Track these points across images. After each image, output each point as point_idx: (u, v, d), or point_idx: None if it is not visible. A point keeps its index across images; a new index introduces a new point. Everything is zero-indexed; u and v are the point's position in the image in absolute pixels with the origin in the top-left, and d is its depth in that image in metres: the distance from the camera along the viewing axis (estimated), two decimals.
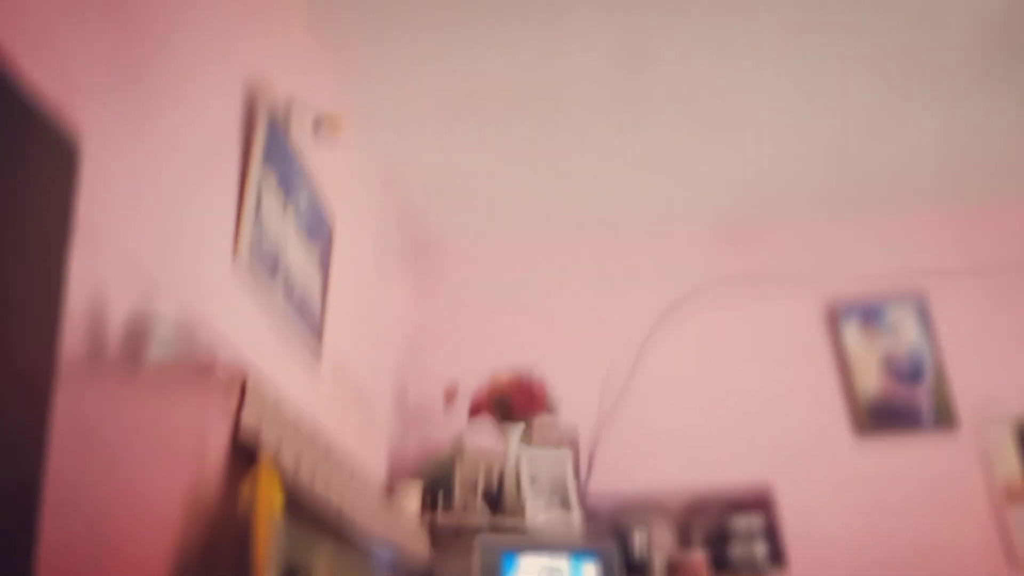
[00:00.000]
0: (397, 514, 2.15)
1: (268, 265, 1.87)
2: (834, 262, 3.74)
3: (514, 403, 2.85)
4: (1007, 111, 3.14)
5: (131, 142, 1.34)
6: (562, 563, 2.71)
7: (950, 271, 3.65)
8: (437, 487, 2.86)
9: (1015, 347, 3.52)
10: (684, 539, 3.38)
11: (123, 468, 0.97)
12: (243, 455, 1.00)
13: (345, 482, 1.43)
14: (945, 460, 3.38)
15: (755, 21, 2.61)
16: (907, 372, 3.53)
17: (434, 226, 3.76)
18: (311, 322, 2.20)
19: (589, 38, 2.65)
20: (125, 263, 1.28)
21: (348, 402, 2.61)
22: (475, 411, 2.93)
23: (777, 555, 3.27)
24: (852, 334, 3.60)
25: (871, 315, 3.63)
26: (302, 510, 1.31)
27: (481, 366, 3.06)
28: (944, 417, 3.45)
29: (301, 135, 2.14)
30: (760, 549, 3.23)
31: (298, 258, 2.11)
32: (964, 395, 3.46)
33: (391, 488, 2.85)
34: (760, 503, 3.36)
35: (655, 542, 3.28)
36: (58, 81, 1.11)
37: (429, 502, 2.80)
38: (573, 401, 3.20)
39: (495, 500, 2.87)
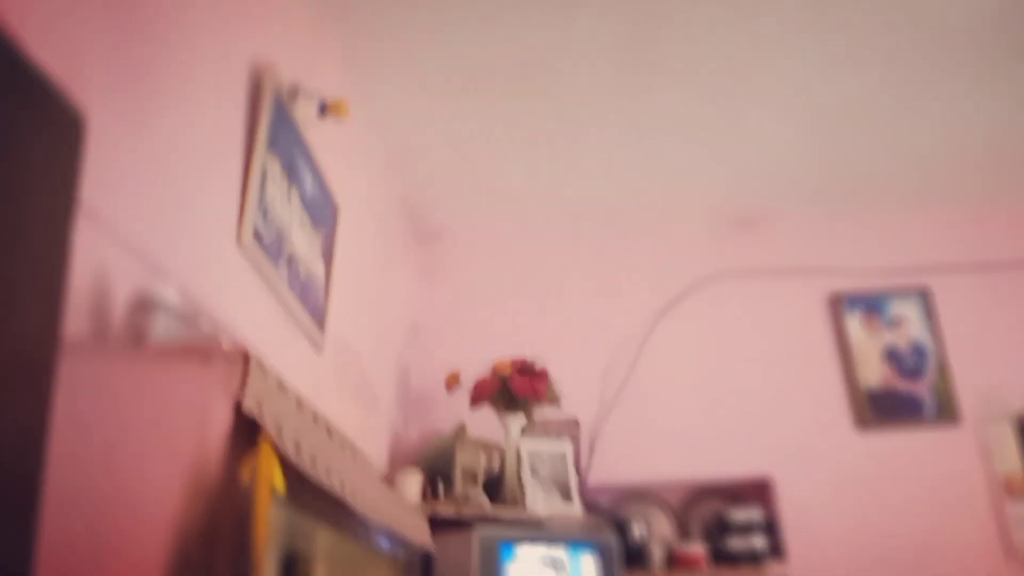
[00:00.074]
0: (398, 500, 2.16)
1: (272, 249, 1.87)
2: (837, 256, 3.74)
3: (516, 389, 2.85)
4: (1011, 107, 3.13)
5: (135, 124, 1.34)
6: (561, 553, 2.71)
7: (953, 265, 3.65)
8: (437, 475, 2.86)
9: (1017, 342, 3.52)
10: (683, 531, 3.39)
11: (124, 448, 0.97)
12: (244, 436, 1.00)
13: (346, 466, 1.43)
14: (946, 454, 3.39)
15: (759, 16, 2.60)
16: (909, 365, 3.53)
17: (438, 214, 3.76)
18: (314, 307, 2.19)
19: (595, 29, 2.63)
20: (128, 245, 1.28)
21: (350, 388, 2.61)
22: (476, 399, 2.94)
23: (776, 547, 3.28)
24: (855, 327, 3.60)
25: (874, 308, 3.62)
26: (303, 493, 1.31)
27: (483, 355, 3.06)
28: (945, 411, 3.45)
29: (306, 119, 2.13)
30: (759, 541, 3.24)
31: (302, 243, 2.10)
32: (966, 389, 3.47)
33: (392, 475, 2.85)
34: (760, 495, 3.37)
35: (654, 533, 3.29)
36: (62, 60, 1.10)
37: (429, 490, 2.81)
38: (574, 391, 3.21)
39: (495, 489, 2.87)
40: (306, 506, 1.49)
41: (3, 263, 0.73)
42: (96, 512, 0.94)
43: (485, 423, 2.98)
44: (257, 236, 1.78)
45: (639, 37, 2.68)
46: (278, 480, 1.04)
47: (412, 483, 2.73)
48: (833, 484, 3.37)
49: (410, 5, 2.50)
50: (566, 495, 2.94)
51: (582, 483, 3.15)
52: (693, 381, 3.57)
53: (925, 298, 3.63)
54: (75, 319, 1.08)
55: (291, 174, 2.02)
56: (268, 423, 1.01)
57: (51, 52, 1.05)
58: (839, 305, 3.65)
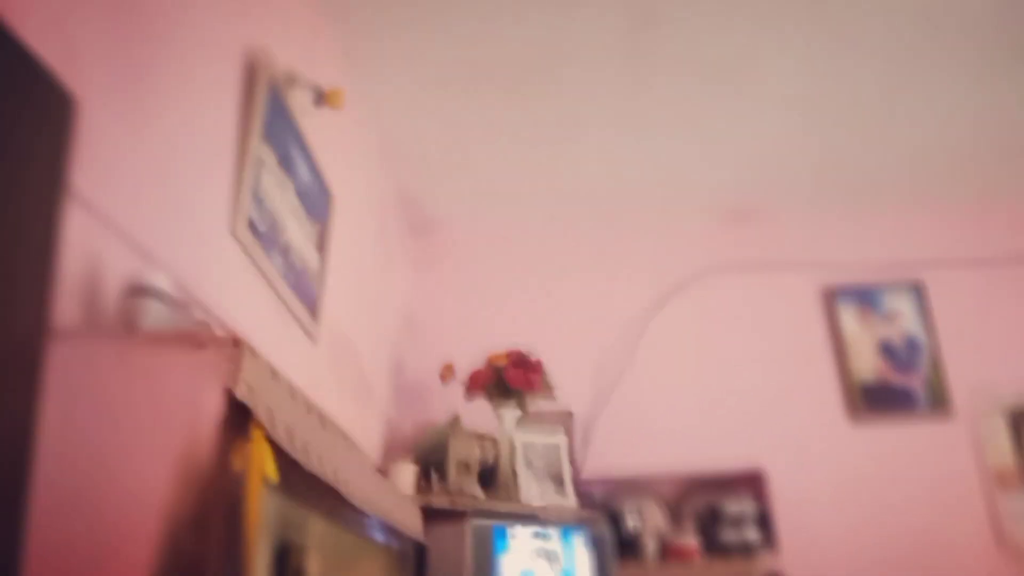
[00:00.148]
0: (392, 489, 2.16)
1: (267, 239, 1.87)
2: (832, 250, 3.75)
3: (510, 380, 2.85)
4: (1006, 103, 3.13)
5: (128, 112, 1.33)
6: (554, 544, 2.72)
7: (947, 259, 3.66)
8: (432, 466, 2.87)
9: (1010, 334, 3.54)
10: (677, 522, 3.40)
11: (115, 434, 0.97)
12: (236, 423, 1.00)
13: (340, 454, 1.43)
14: (939, 446, 3.40)
15: (756, 12, 2.60)
16: (903, 357, 3.54)
17: (434, 206, 3.75)
18: (309, 298, 2.19)
19: (594, 23, 2.63)
20: (121, 233, 1.27)
21: (345, 379, 2.61)
22: (471, 391, 2.94)
23: (769, 539, 3.29)
24: (849, 319, 3.61)
25: (868, 301, 3.63)
26: (296, 482, 1.31)
27: (478, 346, 3.06)
28: (938, 402, 3.47)
29: (302, 110, 2.12)
30: (752, 532, 3.25)
31: (297, 234, 2.10)
32: (959, 381, 3.48)
33: (386, 466, 2.85)
34: (753, 486, 3.38)
35: (647, 525, 3.30)
36: (56, 48, 1.09)
37: (423, 480, 2.81)
38: (569, 383, 3.21)
39: (489, 480, 2.88)
40: (299, 495, 1.49)
41: None
42: (86, 499, 0.94)
43: (479, 414, 2.98)
44: (251, 226, 1.77)
45: (636, 32, 2.68)
46: (270, 468, 1.04)
47: (406, 474, 2.74)
48: (826, 476, 3.39)
49: None
50: (560, 486, 2.95)
51: (576, 474, 3.16)
52: (687, 373, 3.58)
53: (919, 292, 3.64)
54: (66, 306, 1.08)
55: (286, 164, 2.02)
56: (260, 410, 1.01)
57: (44, 39, 1.05)
58: (833, 298, 3.66)
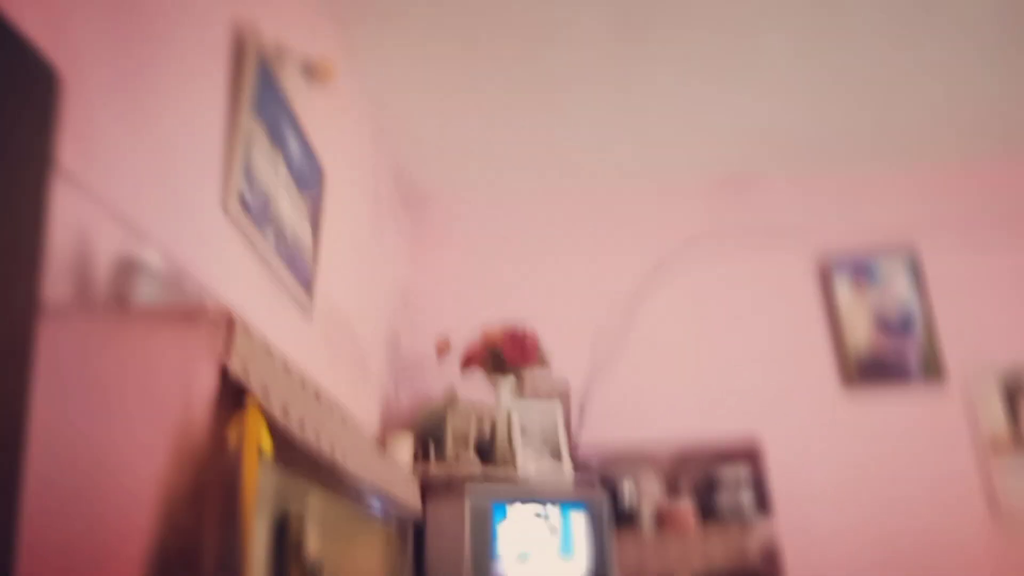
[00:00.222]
0: (389, 463, 2.17)
1: (258, 215, 1.86)
2: (826, 217, 3.75)
3: (506, 355, 2.86)
4: (999, 67, 3.11)
5: (115, 87, 1.32)
6: (552, 514, 2.75)
7: (941, 226, 3.66)
8: (429, 438, 2.88)
9: (1004, 301, 3.55)
10: (672, 489, 3.43)
11: (108, 411, 0.96)
12: (230, 399, 1.00)
13: (336, 429, 1.43)
14: (932, 413, 3.43)
15: None
16: (897, 326, 3.55)
17: (427, 179, 3.73)
18: (302, 273, 2.18)
19: None
20: (111, 209, 1.26)
21: (340, 354, 2.61)
22: (467, 363, 2.95)
23: (764, 507, 3.32)
24: (843, 288, 3.62)
25: (862, 270, 3.64)
26: (292, 456, 1.32)
27: (474, 319, 3.07)
28: (932, 370, 3.48)
29: (292, 83, 2.10)
30: (747, 499, 3.28)
31: (289, 209, 2.09)
32: (952, 348, 3.50)
33: (384, 440, 2.87)
34: (748, 454, 3.41)
35: (644, 492, 3.33)
36: (41, 23, 1.08)
37: (421, 453, 2.83)
38: (565, 354, 3.22)
39: (487, 451, 2.89)
40: (297, 470, 1.49)
41: None
42: (81, 476, 0.94)
43: (476, 388, 2.99)
44: (243, 202, 1.76)
45: (629, 2, 2.64)
46: (265, 443, 1.04)
47: (404, 447, 2.75)
48: (821, 446, 3.41)
49: None
50: (557, 457, 2.96)
51: (572, 445, 3.18)
52: (683, 343, 3.59)
53: (914, 262, 3.64)
54: (57, 284, 1.07)
55: (277, 139, 2.00)
56: (254, 386, 1.01)
57: (29, 13, 1.03)
58: (828, 269, 3.66)
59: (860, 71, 3.09)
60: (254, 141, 1.85)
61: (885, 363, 3.51)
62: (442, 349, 3.08)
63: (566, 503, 2.80)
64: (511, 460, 2.83)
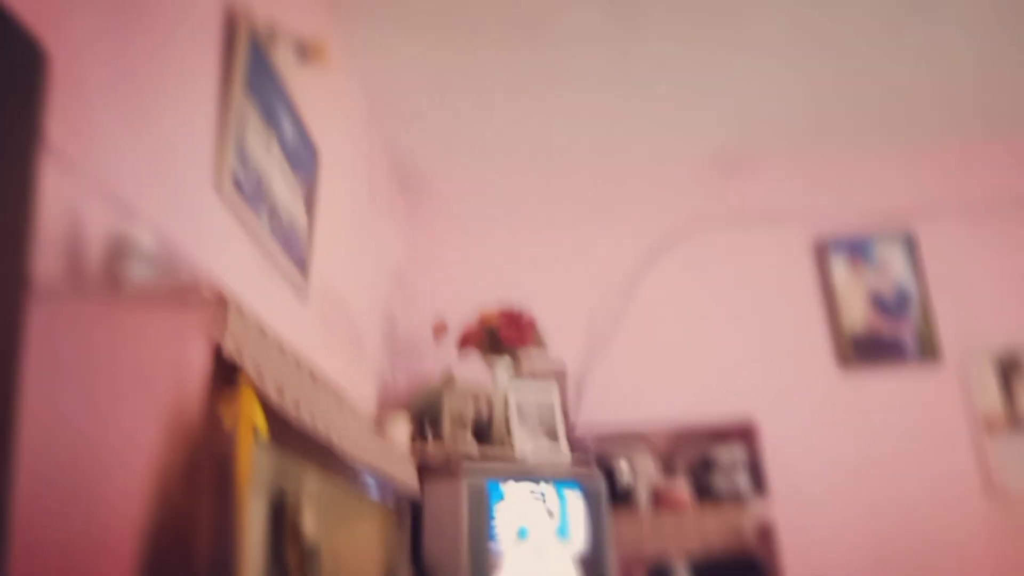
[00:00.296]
0: (386, 443, 2.17)
1: (252, 196, 1.84)
2: (824, 198, 3.74)
3: (503, 336, 2.86)
4: (998, 46, 3.09)
5: (105, 65, 1.30)
6: (549, 495, 2.75)
7: (938, 207, 3.66)
8: (426, 419, 2.89)
9: (1000, 282, 3.55)
10: (668, 469, 3.45)
11: (101, 391, 0.96)
12: (225, 380, 0.99)
13: (331, 409, 1.43)
14: (927, 392, 3.44)
15: None
16: (893, 306, 3.55)
17: (423, 161, 3.71)
18: (297, 254, 2.17)
19: None
20: (102, 188, 1.25)
21: (337, 336, 2.61)
22: (464, 345, 2.95)
23: (759, 487, 3.34)
24: (840, 270, 3.61)
25: (859, 250, 3.64)
26: (288, 436, 1.31)
27: (471, 300, 3.06)
28: (928, 350, 3.49)
29: (285, 64, 2.08)
30: (742, 479, 3.30)
31: (283, 190, 2.07)
32: (948, 330, 3.51)
33: (381, 421, 2.87)
34: (744, 434, 3.42)
35: (640, 472, 3.34)
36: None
37: (418, 434, 2.83)
38: (561, 334, 3.22)
39: (483, 432, 2.90)
40: (293, 450, 1.49)
41: None
42: (74, 457, 0.94)
43: (473, 370, 2.99)
44: (236, 182, 1.75)
45: None
46: (260, 423, 1.04)
47: (401, 430, 2.75)
48: (816, 425, 3.43)
49: None
50: (554, 440, 2.97)
51: (569, 426, 3.19)
52: (679, 325, 3.59)
53: (910, 242, 3.64)
54: (47, 264, 1.06)
55: (270, 120, 1.98)
56: (248, 366, 1.00)
57: None
58: (824, 249, 3.66)
59: (856, 52, 3.07)
60: (247, 121, 1.83)
61: (881, 343, 3.52)
62: (439, 330, 3.07)
63: (563, 484, 2.81)
64: (508, 441, 2.84)
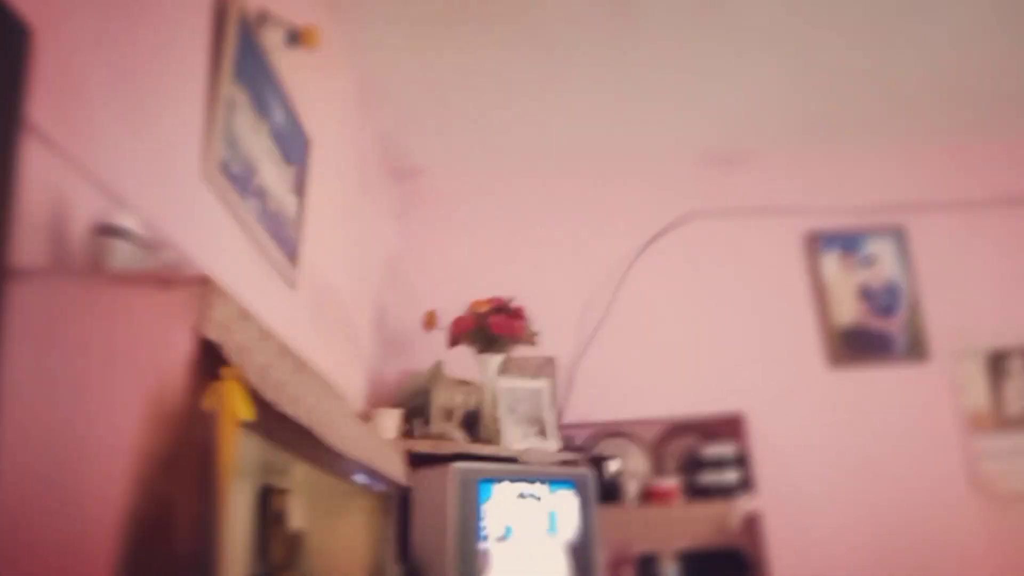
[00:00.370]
0: (373, 435, 2.16)
1: (240, 182, 1.83)
2: (814, 195, 3.74)
3: (493, 330, 2.85)
4: (988, 45, 3.10)
5: (91, 47, 1.28)
6: (537, 489, 2.75)
7: (930, 203, 3.67)
8: (415, 413, 2.88)
9: (990, 279, 3.57)
10: (658, 466, 3.45)
11: (82, 376, 0.95)
12: (207, 364, 0.98)
13: (317, 398, 1.42)
14: (916, 390, 3.45)
15: None
16: (882, 303, 3.56)
17: (415, 150, 3.70)
18: (287, 243, 2.16)
19: None
20: (87, 172, 1.24)
21: (326, 326, 2.60)
22: (454, 338, 2.94)
23: (748, 480, 3.34)
24: (830, 265, 3.62)
25: (849, 247, 3.64)
26: (273, 426, 1.30)
27: (461, 294, 3.05)
28: (916, 347, 3.50)
29: (275, 49, 2.06)
30: (731, 475, 3.30)
31: (272, 177, 2.06)
32: (937, 325, 3.52)
33: (370, 413, 2.86)
34: (733, 430, 3.43)
35: (629, 469, 3.34)
36: None
37: (407, 428, 2.82)
38: (552, 329, 3.21)
39: (473, 426, 2.89)
40: (280, 439, 1.48)
41: None
42: (54, 443, 0.93)
43: (463, 361, 2.98)
44: (224, 168, 1.73)
45: None
46: (244, 408, 1.03)
47: (390, 421, 2.74)
48: (805, 420, 3.43)
49: None
50: (543, 432, 2.96)
51: (558, 420, 3.18)
52: (669, 319, 3.59)
53: (901, 237, 3.65)
54: (30, 246, 1.05)
55: (260, 106, 1.97)
56: (231, 350, 0.99)
57: None
58: (815, 244, 3.66)
59: (848, 48, 3.07)
60: (236, 108, 1.81)
61: (870, 339, 3.53)
62: (429, 323, 3.06)
63: (552, 479, 2.80)
64: (497, 435, 2.84)
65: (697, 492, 3.31)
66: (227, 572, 1.01)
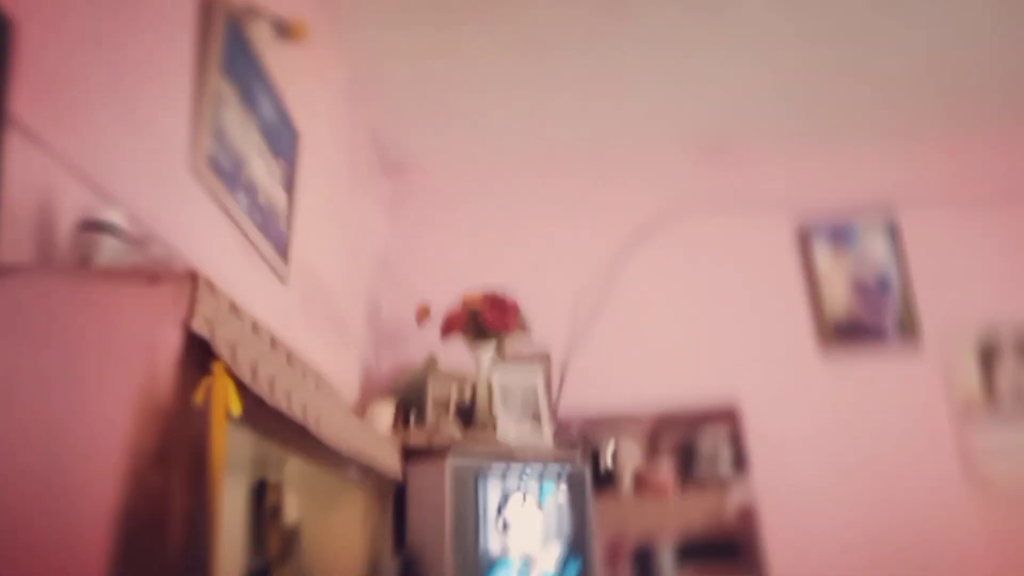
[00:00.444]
0: (367, 429, 2.16)
1: (229, 176, 1.82)
2: (807, 186, 3.75)
3: (486, 321, 2.85)
4: (982, 38, 3.10)
5: (78, 41, 1.27)
6: (532, 479, 2.75)
7: (921, 194, 3.67)
8: (410, 404, 2.87)
9: (979, 269, 3.58)
10: (652, 452, 3.46)
11: (71, 372, 0.94)
12: (196, 359, 0.98)
13: (310, 393, 1.42)
14: (908, 379, 3.47)
15: None
16: (874, 290, 3.57)
17: (406, 144, 3.69)
18: (277, 238, 2.15)
19: None
20: (73, 167, 1.23)
21: (319, 320, 2.59)
22: (448, 329, 2.93)
23: (741, 471, 3.36)
24: (823, 256, 3.63)
25: (841, 238, 3.65)
26: (267, 421, 1.30)
27: (454, 285, 3.04)
28: (908, 333, 3.52)
29: (263, 42, 2.05)
30: (725, 461, 3.32)
31: (262, 172, 2.05)
32: (929, 316, 3.53)
33: (364, 406, 2.86)
34: (727, 420, 3.44)
35: (624, 455, 3.35)
36: None
37: (402, 419, 2.82)
38: (545, 319, 3.21)
39: (467, 417, 2.89)
40: (273, 434, 1.48)
41: None
42: (43, 439, 0.92)
43: (456, 354, 2.98)
44: (212, 162, 1.72)
45: None
46: (233, 403, 1.02)
47: (384, 414, 2.74)
48: (798, 410, 3.44)
49: None
50: (537, 424, 2.97)
51: (553, 410, 3.19)
52: (663, 308, 3.60)
53: (892, 229, 3.66)
54: (15, 241, 1.05)
55: (248, 100, 1.96)
56: (220, 345, 0.99)
57: None
58: (807, 236, 3.67)
59: (838, 40, 3.07)
60: (224, 102, 1.80)
61: (862, 325, 3.54)
62: (422, 315, 3.06)
63: (547, 470, 2.81)
64: (492, 425, 2.84)
65: (691, 482, 3.31)
66: (220, 566, 1.01)
